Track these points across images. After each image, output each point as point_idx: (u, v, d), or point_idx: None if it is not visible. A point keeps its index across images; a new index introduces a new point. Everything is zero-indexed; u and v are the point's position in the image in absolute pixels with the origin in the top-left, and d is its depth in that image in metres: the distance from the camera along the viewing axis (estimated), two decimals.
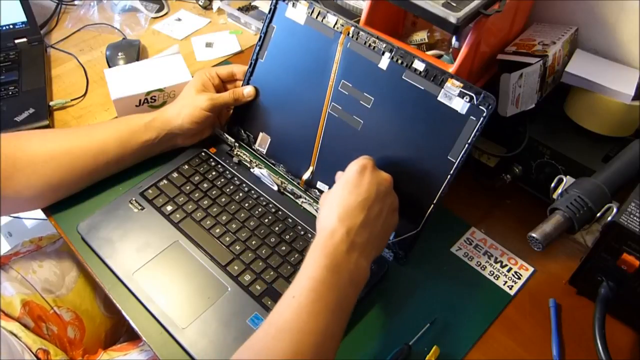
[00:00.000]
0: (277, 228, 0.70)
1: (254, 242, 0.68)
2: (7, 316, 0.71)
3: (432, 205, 0.64)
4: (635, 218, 0.56)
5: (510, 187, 0.77)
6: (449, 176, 0.62)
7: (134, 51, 0.96)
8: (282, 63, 0.74)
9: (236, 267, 0.66)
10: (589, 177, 0.61)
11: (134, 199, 0.72)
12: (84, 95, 0.92)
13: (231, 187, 0.74)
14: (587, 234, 0.71)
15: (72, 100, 0.90)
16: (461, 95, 0.61)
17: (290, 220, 0.71)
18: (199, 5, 1.12)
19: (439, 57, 0.77)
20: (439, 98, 0.62)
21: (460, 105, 0.61)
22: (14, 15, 1.00)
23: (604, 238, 0.59)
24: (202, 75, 0.77)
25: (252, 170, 0.77)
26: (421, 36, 0.79)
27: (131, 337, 0.85)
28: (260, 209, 0.72)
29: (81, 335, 0.79)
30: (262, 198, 0.73)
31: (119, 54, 0.95)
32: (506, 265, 0.70)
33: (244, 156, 0.78)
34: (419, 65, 0.63)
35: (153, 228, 0.69)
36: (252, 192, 0.74)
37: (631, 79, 0.72)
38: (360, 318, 0.64)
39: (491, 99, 0.59)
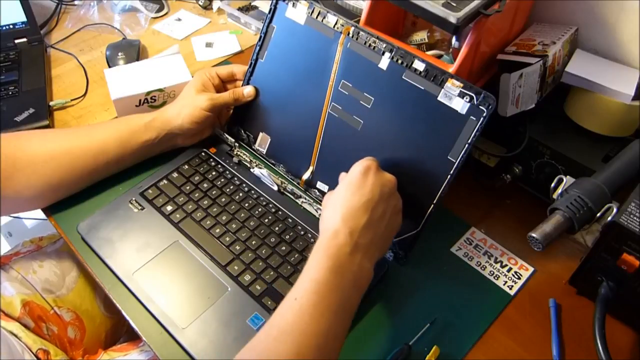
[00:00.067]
0: (277, 228, 0.70)
1: (254, 242, 0.68)
2: (7, 316, 0.71)
3: (432, 205, 0.64)
4: (635, 218, 0.56)
5: (510, 187, 0.77)
6: (449, 176, 0.63)
7: (134, 51, 0.96)
8: (282, 63, 0.74)
9: (236, 267, 0.66)
10: (589, 177, 0.61)
11: (134, 199, 0.72)
12: (84, 95, 0.92)
13: (231, 187, 0.74)
14: (587, 234, 0.71)
15: (72, 100, 0.90)
16: (461, 95, 0.61)
17: (290, 220, 0.71)
18: (199, 5, 1.12)
19: (439, 57, 0.77)
20: (439, 98, 0.62)
21: (460, 105, 0.61)
22: (14, 15, 1.00)
23: (604, 238, 0.59)
24: (202, 75, 0.77)
25: (252, 170, 0.77)
26: (421, 36, 0.79)
27: (131, 337, 0.85)
28: (260, 209, 0.72)
29: (81, 336, 0.79)
30: (262, 198, 0.74)
31: (119, 54, 0.95)
32: (506, 265, 0.70)
33: (244, 156, 0.78)
34: (419, 65, 0.63)
35: (153, 228, 0.69)
36: (252, 192, 0.74)
37: (631, 79, 0.72)
38: (360, 318, 0.63)
39: (491, 99, 0.59)
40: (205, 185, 0.74)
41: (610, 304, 0.60)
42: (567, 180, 0.62)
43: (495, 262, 0.70)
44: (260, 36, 0.75)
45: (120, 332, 0.87)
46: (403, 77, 0.64)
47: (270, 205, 0.73)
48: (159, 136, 0.73)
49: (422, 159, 0.64)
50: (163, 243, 0.68)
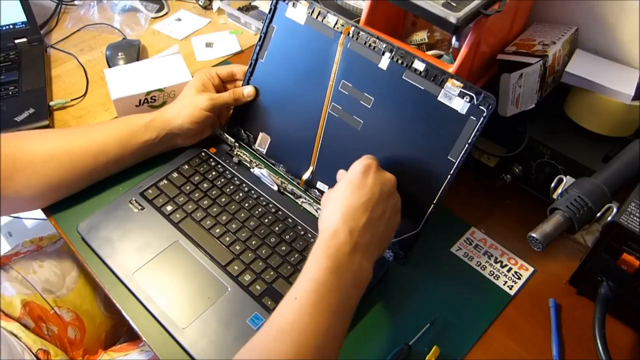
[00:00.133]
0: (277, 228, 0.70)
1: (254, 242, 0.68)
2: (7, 316, 0.71)
3: (432, 205, 0.64)
4: (635, 218, 0.56)
5: (510, 187, 0.77)
6: (449, 176, 0.63)
7: (134, 51, 0.96)
8: (282, 63, 0.74)
9: (236, 267, 0.66)
10: (589, 177, 0.61)
11: (134, 199, 0.72)
12: (84, 95, 0.92)
13: (231, 187, 0.74)
14: (587, 234, 0.71)
15: (72, 100, 0.90)
16: (461, 95, 0.61)
17: (290, 220, 0.71)
18: (199, 5, 1.12)
19: (439, 57, 0.77)
20: (439, 98, 0.62)
21: (460, 105, 0.61)
22: (14, 15, 1.00)
23: (604, 238, 0.59)
24: (202, 75, 0.77)
25: (252, 170, 0.77)
26: (421, 36, 0.79)
27: (131, 337, 0.85)
28: (260, 209, 0.72)
29: (81, 336, 0.79)
30: (262, 198, 0.74)
31: (119, 54, 0.95)
32: (506, 265, 0.70)
33: (244, 156, 0.78)
34: (419, 65, 0.63)
35: (153, 228, 0.69)
36: (252, 192, 0.74)
37: (631, 79, 0.72)
38: (360, 318, 0.63)
39: (491, 99, 0.59)
40: (205, 185, 0.74)
41: (610, 304, 0.60)
42: (567, 180, 0.62)
43: (495, 262, 0.70)
44: (260, 36, 0.75)
45: (120, 332, 0.87)
46: (403, 77, 0.64)
47: (270, 205, 0.73)
48: (159, 136, 0.73)
49: (422, 159, 0.64)
50: (163, 243, 0.68)
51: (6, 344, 0.66)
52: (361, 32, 0.67)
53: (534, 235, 0.56)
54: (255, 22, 1.03)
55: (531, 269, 0.70)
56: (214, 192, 0.73)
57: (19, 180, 0.66)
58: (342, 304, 0.51)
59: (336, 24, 0.68)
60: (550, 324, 0.64)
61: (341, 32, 0.68)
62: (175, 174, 0.75)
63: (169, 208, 0.71)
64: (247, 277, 0.65)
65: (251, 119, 0.79)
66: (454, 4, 0.62)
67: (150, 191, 0.73)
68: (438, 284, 0.68)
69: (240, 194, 0.73)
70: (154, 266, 0.66)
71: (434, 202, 0.64)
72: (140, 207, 0.71)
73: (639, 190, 0.59)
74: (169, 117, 0.73)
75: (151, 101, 0.84)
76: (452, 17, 0.60)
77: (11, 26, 1.00)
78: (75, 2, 1.11)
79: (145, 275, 0.65)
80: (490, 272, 0.69)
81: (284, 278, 0.65)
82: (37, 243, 0.86)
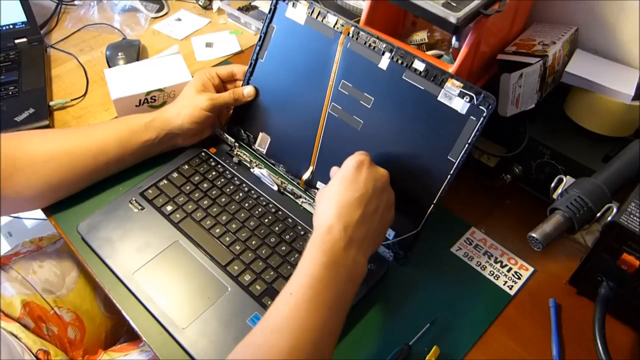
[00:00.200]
0: (277, 228, 0.70)
1: (254, 242, 0.68)
2: (7, 317, 0.71)
3: (432, 205, 0.64)
4: (635, 218, 0.56)
5: (510, 187, 0.77)
6: (449, 176, 0.62)
7: (134, 51, 0.96)
8: (282, 63, 0.74)
9: (236, 267, 0.66)
10: (589, 177, 0.61)
11: (134, 199, 0.72)
12: (84, 95, 0.92)
13: (231, 187, 0.74)
14: (587, 234, 0.71)
15: (72, 100, 0.90)
16: (461, 95, 0.61)
17: (290, 220, 0.71)
18: (199, 5, 1.12)
19: (439, 57, 0.77)
20: (439, 98, 0.62)
21: (460, 105, 0.61)
22: (14, 15, 1.00)
23: (604, 238, 0.59)
24: (202, 75, 0.77)
25: (252, 170, 0.77)
26: (421, 36, 0.79)
27: (131, 337, 0.85)
28: (260, 209, 0.72)
29: (81, 336, 0.79)
30: (262, 198, 0.74)
31: (119, 54, 0.95)
32: (506, 265, 0.70)
33: (244, 156, 0.78)
34: (419, 65, 0.63)
35: (153, 228, 0.69)
36: (252, 192, 0.74)
37: (631, 79, 0.72)
38: (360, 318, 0.64)
39: (491, 99, 0.59)
40: (205, 185, 0.74)
41: (610, 304, 0.60)
42: (567, 180, 0.62)
43: (495, 262, 0.70)
44: (260, 36, 0.75)
45: (120, 332, 0.87)
46: (403, 77, 0.64)
47: (270, 205, 0.73)
48: (159, 136, 0.73)
49: (422, 159, 0.64)
50: (163, 243, 0.68)
51: (6, 345, 0.66)
52: (361, 32, 0.67)
53: (534, 235, 0.56)
54: (255, 22, 1.03)
55: (531, 269, 0.70)
56: (214, 192, 0.73)
57: (19, 180, 0.66)
58: (337, 299, 0.52)
59: (336, 24, 0.68)
60: (550, 324, 0.64)
61: (341, 32, 0.68)
62: (175, 174, 0.75)
63: (169, 208, 0.71)
64: (247, 277, 0.65)
65: (251, 119, 0.79)
66: (454, 4, 0.62)
67: (150, 191, 0.73)
68: (438, 284, 0.68)
69: (240, 194, 0.73)
70: (154, 266, 0.66)
71: (434, 202, 0.64)
72: (140, 207, 0.71)
73: (639, 190, 0.59)
74: (169, 117, 0.73)
75: (151, 101, 0.84)
76: (452, 17, 0.60)
77: (11, 26, 1.00)
78: (75, 2, 1.11)
79: (145, 275, 0.65)
80: (490, 272, 0.69)
81: (284, 278, 0.65)
82: (36, 243, 0.85)
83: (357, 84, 0.68)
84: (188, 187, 0.74)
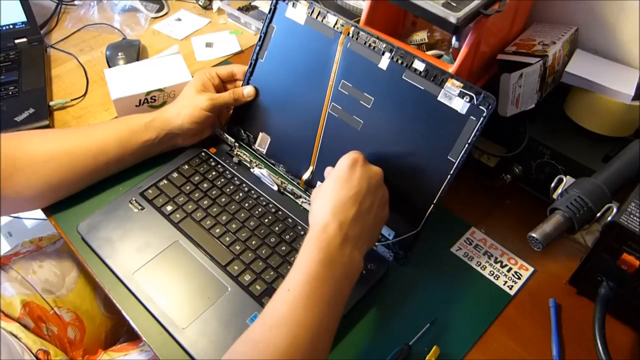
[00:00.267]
0: (277, 228, 0.70)
1: (254, 242, 0.68)
2: (7, 317, 0.71)
3: (432, 205, 0.64)
4: (635, 218, 0.56)
5: (510, 187, 0.77)
6: (449, 176, 0.62)
7: (134, 51, 0.96)
8: (282, 63, 0.74)
9: (236, 267, 0.66)
10: (589, 177, 0.61)
11: (134, 199, 0.72)
12: (84, 95, 0.92)
13: (231, 187, 0.74)
14: (587, 234, 0.71)
15: (72, 100, 0.90)
16: (461, 95, 0.61)
17: (290, 220, 0.71)
18: (199, 5, 1.12)
19: (439, 57, 0.77)
20: (439, 98, 0.62)
21: (460, 105, 0.61)
22: (14, 15, 1.00)
23: (604, 238, 0.59)
24: (202, 75, 0.77)
25: (252, 170, 0.77)
26: (421, 36, 0.79)
27: (131, 337, 0.85)
28: (260, 209, 0.72)
29: (81, 336, 0.79)
30: (262, 198, 0.73)
31: (119, 54, 0.95)
32: (506, 265, 0.70)
33: (244, 156, 0.78)
34: (419, 65, 0.63)
35: (153, 228, 0.69)
36: (252, 192, 0.74)
37: (631, 79, 0.72)
38: (360, 318, 0.64)
39: (491, 99, 0.59)
40: (205, 185, 0.74)
41: (610, 304, 0.60)
42: (567, 180, 0.62)
43: (495, 262, 0.70)
44: (260, 36, 0.75)
45: (120, 332, 0.87)
46: (403, 77, 0.64)
47: (270, 205, 0.73)
48: (159, 136, 0.73)
49: (422, 159, 0.64)
50: (163, 243, 0.68)
51: (6, 345, 0.66)
52: (361, 32, 0.67)
53: (534, 235, 0.56)
54: (255, 22, 1.03)
55: (531, 269, 0.70)
56: (214, 192, 0.73)
57: (19, 180, 0.66)
58: (334, 296, 0.52)
59: (336, 24, 0.68)
60: (550, 324, 0.64)
61: (341, 32, 0.68)
62: (175, 174, 0.75)
63: (169, 208, 0.71)
64: (247, 277, 0.65)
65: (251, 119, 0.79)
66: (454, 4, 0.62)
67: (150, 191, 0.73)
68: (438, 284, 0.68)
69: (240, 194, 0.73)
70: (154, 266, 0.66)
71: (434, 202, 0.64)
72: (140, 207, 0.71)
73: (639, 190, 0.59)
74: (169, 117, 0.74)
75: (151, 101, 0.84)
76: (452, 17, 0.60)
77: (11, 26, 1.00)
78: (75, 2, 1.11)
79: (145, 275, 0.65)
80: (490, 272, 0.69)
81: (284, 278, 0.64)
82: (36, 243, 0.85)
83: (357, 84, 0.68)
84: (188, 187, 0.74)
